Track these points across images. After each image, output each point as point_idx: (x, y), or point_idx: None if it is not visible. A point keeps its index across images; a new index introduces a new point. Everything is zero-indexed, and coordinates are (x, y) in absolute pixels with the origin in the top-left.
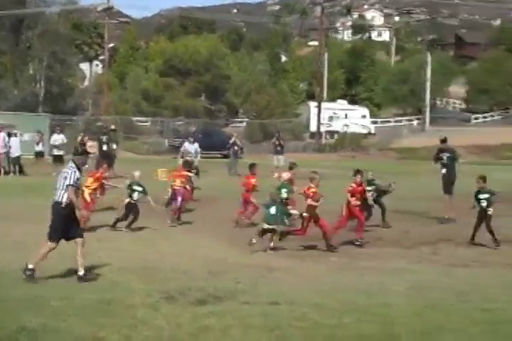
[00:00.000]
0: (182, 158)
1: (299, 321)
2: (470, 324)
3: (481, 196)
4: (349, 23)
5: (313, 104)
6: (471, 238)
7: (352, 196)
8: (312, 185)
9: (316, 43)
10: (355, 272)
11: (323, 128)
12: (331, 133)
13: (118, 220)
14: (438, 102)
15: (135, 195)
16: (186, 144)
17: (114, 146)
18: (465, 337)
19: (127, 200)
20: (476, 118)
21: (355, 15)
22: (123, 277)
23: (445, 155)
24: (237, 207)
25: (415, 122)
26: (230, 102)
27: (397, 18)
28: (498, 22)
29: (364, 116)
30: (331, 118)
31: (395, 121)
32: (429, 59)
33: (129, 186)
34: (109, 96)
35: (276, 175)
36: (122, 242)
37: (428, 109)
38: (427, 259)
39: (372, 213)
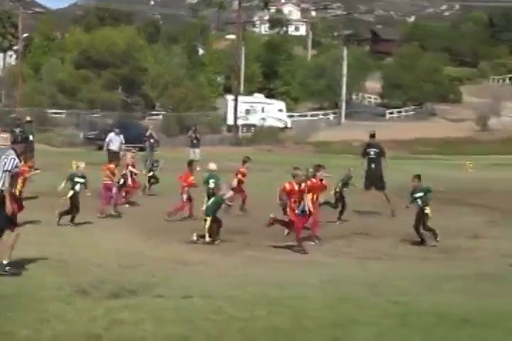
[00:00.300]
0: (108, 149)
1: (213, 314)
2: (382, 316)
3: (417, 195)
4: (266, 17)
5: (230, 98)
6: (420, 238)
7: (309, 192)
8: (293, 182)
9: (233, 37)
10: (269, 265)
11: (240, 122)
12: (248, 126)
13: (62, 214)
14: (354, 97)
15: (77, 187)
16: (112, 135)
17: (31, 138)
18: (377, 329)
19: (71, 193)
20: (391, 113)
21: (273, 10)
22: (35, 270)
23: (372, 151)
24: (157, 200)
25: (331, 116)
26: (146, 95)
27: (313, 13)
28: (412, 18)
29: (281, 110)
30: (247, 112)
31: (312, 115)
32: (345, 54)
33: (71, 178)
34: (23, 88)
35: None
36: (39, 235)
37: (344, 104)
38: (342, 252)
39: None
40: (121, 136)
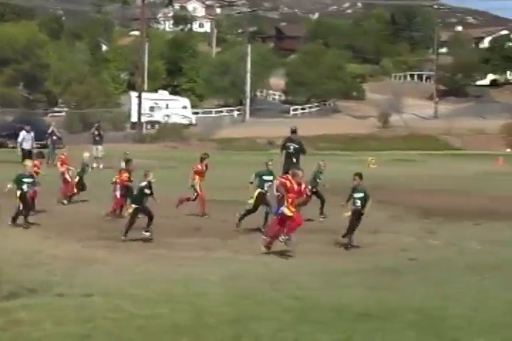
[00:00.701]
0: (21, 148)
1: (113, 312)
2: (282, 312)
3: (356, 195)
4: (171, 14)
5: (134, 94)
6: (344, 235)
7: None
8: (289, 181)
9: (137, 33)
10: (172, 262)
11: (144, 119)
12: (152, 123)
13: (18, 214)
14: (258, 94)
15: (25, 187)
16: (24, 133)
17: None
18: (277, 324)
19: (19, 193)
20: (295, 110)
21: (177, 6)
22: None
23: (292, 146)
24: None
25: (236, 113)
26: (49, 91)
27: (218, 10)
28: (316, 16)
29: (185, 107)
30: (152, 109)
31: (216, 112)
32: (249, 51)
33: (20, 179)
34: None
35: (95, 165)
36: None
37: (248, 101)
38: (244, 249)
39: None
40: (32, 134)
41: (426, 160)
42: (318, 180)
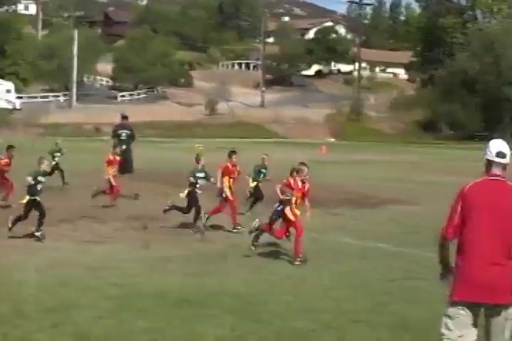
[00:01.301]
0: None
1: None
2: (102, 299)
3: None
4: None
5: None
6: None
7: (224, 175)
8: (293, 179)
9: None
10: None
11: None
12: None
13: None
14: (86, 79)
15: None
16: None
17: None
18: (96, 312)
19: None
20: (123, 96)
21: None
22: None
23: (124, 133)
24: None
25: (62, 98)
26: None
27: None
28: (144, 2)
29: (9, 91)
30: None
31: (42, 97)
32: (76, 35)
33: None
34: None
35: None
36: None
37: (75, 86)
38: (65, 236)
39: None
40: None
41: (251, 148)
42: (262, 176)
